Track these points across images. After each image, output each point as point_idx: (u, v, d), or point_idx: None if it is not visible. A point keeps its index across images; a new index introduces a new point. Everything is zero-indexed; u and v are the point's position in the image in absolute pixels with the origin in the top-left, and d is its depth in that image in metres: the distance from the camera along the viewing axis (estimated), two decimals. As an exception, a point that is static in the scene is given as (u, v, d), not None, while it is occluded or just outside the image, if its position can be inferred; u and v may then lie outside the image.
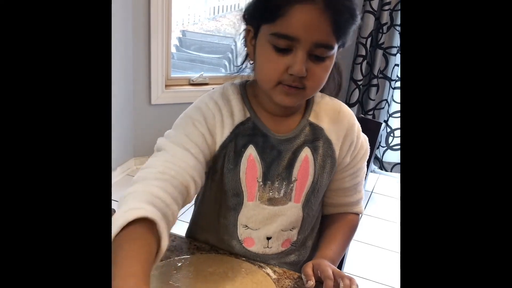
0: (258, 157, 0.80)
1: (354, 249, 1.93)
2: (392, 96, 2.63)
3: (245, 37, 0.78)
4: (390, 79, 2.64)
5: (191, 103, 0.81)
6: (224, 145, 0.79)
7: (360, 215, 0.95)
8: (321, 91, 0.84)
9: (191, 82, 2.61)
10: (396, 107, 2.64)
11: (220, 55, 3.50)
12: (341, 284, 0.72)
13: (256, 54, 0.75)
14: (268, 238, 0.84)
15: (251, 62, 0.80)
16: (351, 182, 0.88)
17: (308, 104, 0.84)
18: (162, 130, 0.84)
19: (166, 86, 2.53)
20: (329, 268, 0.75)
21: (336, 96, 0.86)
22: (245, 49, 0.80)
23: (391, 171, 2.74)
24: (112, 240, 0.58)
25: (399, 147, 2.66)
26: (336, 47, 0.72)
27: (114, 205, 0.82)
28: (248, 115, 0.80)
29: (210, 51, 3.61)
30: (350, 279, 0.74)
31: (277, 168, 0.81)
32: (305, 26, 0.68)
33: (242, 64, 0.83)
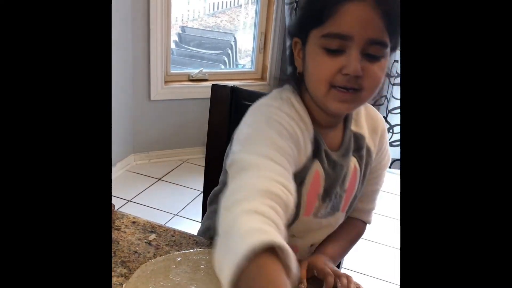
0: (323, 174, 0.78)
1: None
2: (392, 92, 2.63)
3: (292, 53, 0.76)
4: (389, 75, 2.64)
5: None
6: (309, 159, 0.75)
7: (368, 223, 0.95)
8: None
9: (191, 78, 2.61)
10: (395, 103, 2.63)
11: (220, 51, 3.50)
12: (339, 284, 0.72)
13: (306, 62, 0.72)
14: (311, 245, 0.86)
15: (299, 74, 0.75)
16: (368, 188, 0.89)
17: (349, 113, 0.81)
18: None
19: (166, 82, 2.53)
20: (326, 266, 0.75)
21: (377, 100, 0.88)
22: (289, 66, 0.78)
23: (390, 167, 2.74)
24: (239, 262, 0.52)
25: (398, 143, 2.66)
26: (389, 47, 0.69)
27: (113, 200, 0.82)
28: (312, 133, 0.76)
29: (210, 47, 3.60)
30: (348, 277, 0.73)
31: (335, 185, 0.81)
32: (357, 22, 0.65)
33: (290, 75, 0.78)
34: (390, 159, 0.90)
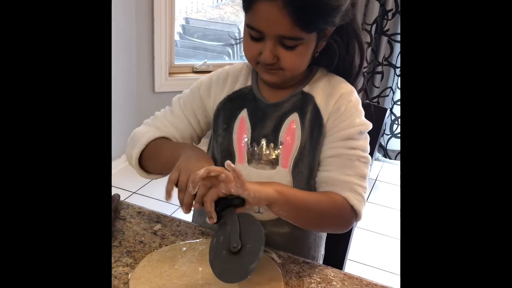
0: (248, 119, 0.85)
1: (358, 236, 1.93)
2: (397, 83, 2.61)
3: None
4: (395, 66, 2.63)
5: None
6: (220, 107, 0.87)
7: (350, 203, 0.79)
8: (339, 73, 0.86)
9: (195, 70, 2.60)
10: (400, 94, 2.63)
11: (224, 43, 3.48)
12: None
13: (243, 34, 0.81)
14: None
15: None
16: (333, 151, 0.81)
17: (307, 78, 0.86)
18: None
19: (170, 73, 2.52)
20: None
21: (355, 78, 0.86)
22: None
23: (395, 159, 2.74)
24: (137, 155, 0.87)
25: (403, 134, 2.65)
26: (308, 35, 0.75)
27: (118, 191, 0.82)
28: (249, 83, 0.87)
29: (214, 38, 3.59)
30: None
31: (262, 129, 0.84)
32: (265, 21, 0.73)
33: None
34: (359, 113, 0.82)
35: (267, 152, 0.83)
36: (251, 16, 0.75)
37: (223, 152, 0.85)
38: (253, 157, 0.84)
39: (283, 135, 0.83)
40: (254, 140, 0.84)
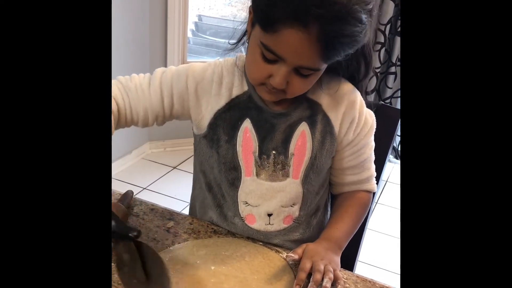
0: (254, 131, 0.81)
1: (369, 238, 1.92)
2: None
3: (248, 15, 0.76)
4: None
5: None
6: (219, 115, 0.82)
7: (372, 192, 0.91)
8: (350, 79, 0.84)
9: (207, 67, 2.61)
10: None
11: (236, 41, 3.48)
12: (325, 280, 0.70)
13: (248, 45, 0.76)
14: (269, 215, 0.83)
15: (248, 41, 0.78)
16: (357, 160, 0.86)
17: None
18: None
19: (182, 70, 2.53)
20: (321, 263, 0.73)
21: (362, 80, 0.83)
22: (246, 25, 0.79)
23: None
24: None
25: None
26: (325, 65, 0.73)
27: (129, 187, 0.83)
28: (246, 88, 0.82)
29: (226, 36, 3.58)
30: (333, 279, 0.72)
31: (271, 142, 0.81)
32: (292, 50, 0.68)
33: (239, 41, 0.84)
34: (373, 128, 0.85)
35: (278, 164, 0.81)
36: (274, 39, 0.68)
37: (226, 164, 0.82)
38: (262, 170, 0.81)
39: (293, 146, 0.81)
40: (263, 153, 0.81)
